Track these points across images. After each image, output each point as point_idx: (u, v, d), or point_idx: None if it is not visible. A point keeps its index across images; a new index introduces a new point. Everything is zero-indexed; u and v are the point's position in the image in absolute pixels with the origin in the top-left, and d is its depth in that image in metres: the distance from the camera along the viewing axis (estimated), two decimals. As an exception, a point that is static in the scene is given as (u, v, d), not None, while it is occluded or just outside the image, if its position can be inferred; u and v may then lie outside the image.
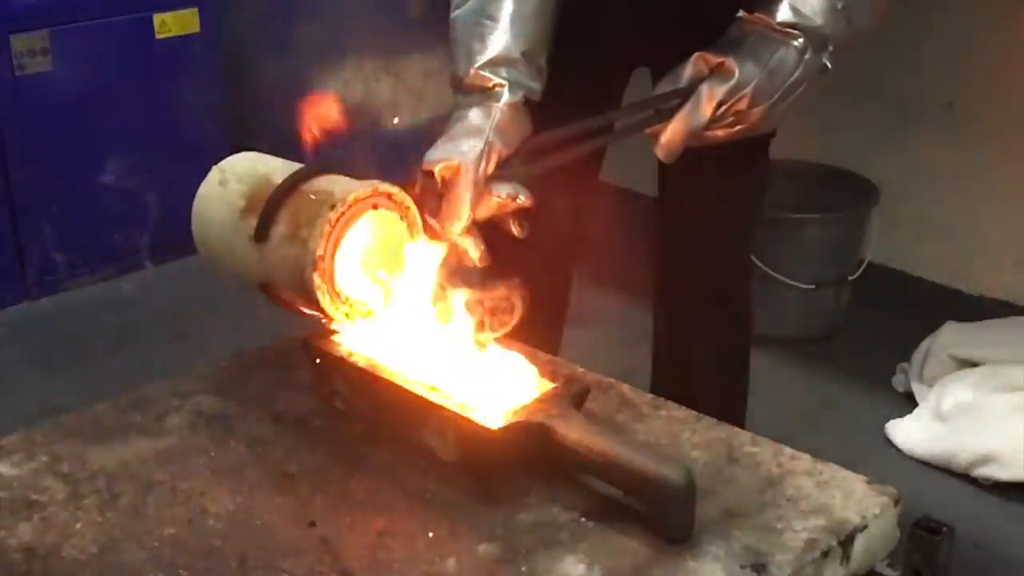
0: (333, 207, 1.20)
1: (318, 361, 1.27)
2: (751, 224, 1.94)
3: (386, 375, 1.20)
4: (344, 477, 1.17)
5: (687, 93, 1.44)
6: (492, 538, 1.07)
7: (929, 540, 1.08)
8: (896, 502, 1.12)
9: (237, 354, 1.41)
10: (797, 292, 3.03)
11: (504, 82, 1.42)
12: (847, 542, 1.08)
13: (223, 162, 1.33)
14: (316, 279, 1.20)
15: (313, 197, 1.22)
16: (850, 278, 3.11)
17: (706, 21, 1.50)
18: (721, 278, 1.92)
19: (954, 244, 3.10)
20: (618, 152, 1.87)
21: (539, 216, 1.38)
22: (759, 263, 2.81)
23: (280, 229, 1.22)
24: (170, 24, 3.43)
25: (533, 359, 1.23)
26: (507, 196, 1.33)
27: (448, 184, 1.32)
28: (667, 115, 1.45)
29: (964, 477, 2.53)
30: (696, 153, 1.66)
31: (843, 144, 3.19)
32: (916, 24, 2.95)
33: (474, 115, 1.40)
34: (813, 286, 3.04)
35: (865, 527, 1.09)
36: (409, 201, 1.28)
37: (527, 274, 1.75)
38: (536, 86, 1.46)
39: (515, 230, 1.36)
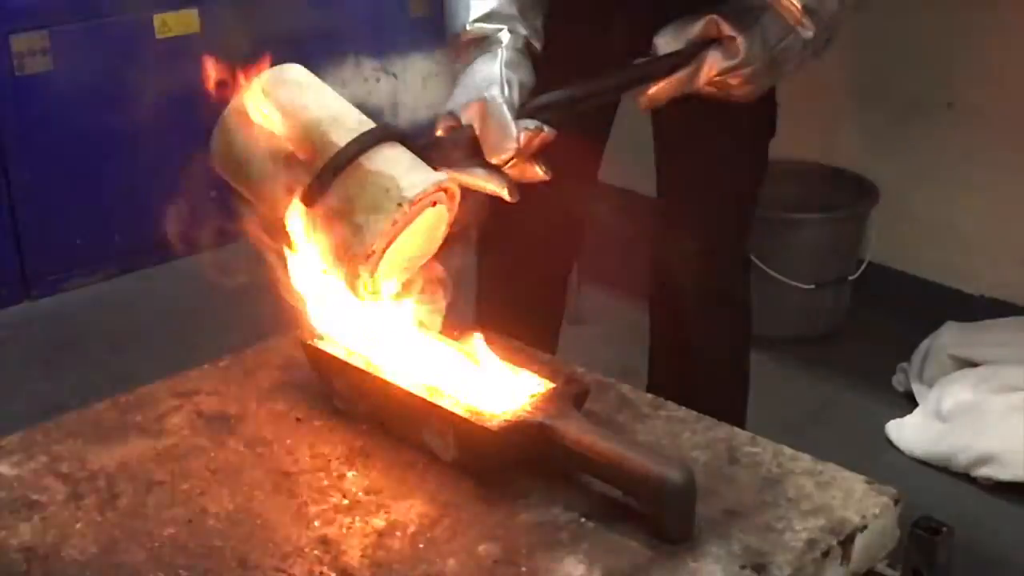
0: (400, 205, 1.12)
1: (318, 362, 1.27)
2: (749, 223, 1.94)
3: (386, 375, 1.19)
4: (344, 477, 1.17)
5: (688, 56, 1.43)
6: (492, 538, 1.07)
7: (929, 540, 1.08)
8: (896, 502, 1.12)
9: (237, 354, 1.41)
10: (797, 292, 3.02)
11: (502, 26, 1.41)
12: (847, 542, 1.08)
13: (266, 80, 1.17)
14: (362, 271, 1.14)
15: (376, 180, 1.12)
16: (850, 278, 3.11)
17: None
18: (720, 277, 1.92)
19: (954, 244, 3.10)
20: (618, 152, 1.87)
21: (536, 214, 1.37)
22: (759, 263, 2.81)
23: (331, 201, 1.12)
24: (170, 24, 3.43)
25: (532, 359, 1.22)
26: (535, 128, 1.29)
27: (482, 120, 1.28)
28: (663, 72, 1.44)
29: (964, 477, 2.53)
30: (696, 154, 1.66)
31: (843, 144, 3.19)
32: (916, 24, 2.95)
33: (480, 62, 1.38)
34: (813, 286, 3.04)
35: (865, 527, 1.09)
36: (459, 193, 1.21)
37: (524, 272, 1.74)
38: (535, 38, 1.44)
39: (539, 171, 1.31)
